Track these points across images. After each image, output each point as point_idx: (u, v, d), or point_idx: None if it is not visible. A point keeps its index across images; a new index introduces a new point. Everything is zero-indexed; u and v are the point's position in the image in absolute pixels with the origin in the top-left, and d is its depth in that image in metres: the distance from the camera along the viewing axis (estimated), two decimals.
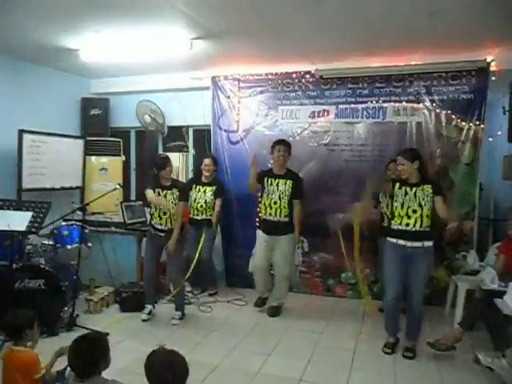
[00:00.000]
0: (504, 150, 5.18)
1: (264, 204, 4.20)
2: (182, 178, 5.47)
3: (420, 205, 3.29)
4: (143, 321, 4.05)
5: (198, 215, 4.72)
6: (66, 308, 3.84)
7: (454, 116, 4.41)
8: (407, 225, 3.31)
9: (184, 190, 4.15)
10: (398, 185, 3.41)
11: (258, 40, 4.17)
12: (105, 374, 2.02)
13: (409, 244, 3.30)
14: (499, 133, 4.62)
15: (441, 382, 2.97)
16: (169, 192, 3.97)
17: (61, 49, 4.44)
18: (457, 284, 4.00)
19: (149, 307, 4.15)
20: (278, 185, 4.15)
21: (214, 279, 4.97)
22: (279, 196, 4.13)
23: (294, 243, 4.25)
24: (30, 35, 4.06)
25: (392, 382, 2.97)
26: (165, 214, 3.96)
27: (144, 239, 4.54)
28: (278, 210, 4.13)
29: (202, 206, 4.71)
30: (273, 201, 4.14)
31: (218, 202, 4.74)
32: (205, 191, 4.74)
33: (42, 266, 3.78)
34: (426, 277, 3.41)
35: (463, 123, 4.38)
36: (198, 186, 4.76)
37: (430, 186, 3.33)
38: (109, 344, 2.05)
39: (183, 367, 1.78)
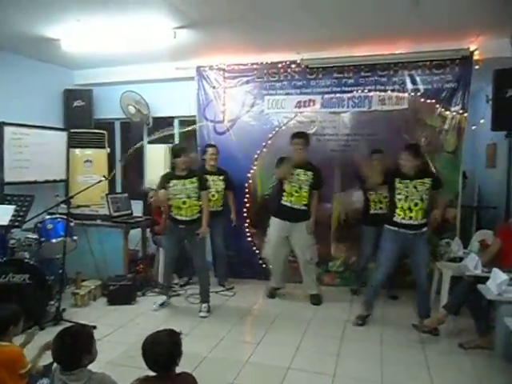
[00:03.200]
0: (487, 139, 5.24)
1: (286, 191, 4.23)
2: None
3: (421, 198, 3.51)
4: (154, 310, 4.11)
5: None
6: (52, 302, 3.81)
7: (438, 105, 4.45)
8: (410, 218, 3.53)
9: (203, 179, 4.12)
10: (398, 179, 3.57)
11: (242, 29, 4.13)
12: (93, 367, 2.01)
13: (410, 232, 3.56)
14: (482, 121, 4.67)
15: (427, 367, 3.02)
16: (187, 181, 3.91)
17: (41, 38, 4.34)
18: (441, 271, 4.06)
19: (164, 298, 4.22)
20: (298, 175, 4.20)
21: (226, 272, 4.91)
22: (299, 186, 4.19)
23: (309, 229, 4.28)
24: (8, 24, 3.95)
25: (379, 367, 3.02)
26: (184, 203, 3.89)
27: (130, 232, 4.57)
28: (299, 199, 4.20)
29: (213, 196, 4.61)
30: (294, 189, 4.19)
31: (231, 195, 4.77)
32: (213, 180, 4.62)
33: (26, 261, 3.73)
34: (427, 255, 3.69)
35: (447, 112, 4.42)
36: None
37: (430, 179, 3.55)
38: (93, 336, 2.03)
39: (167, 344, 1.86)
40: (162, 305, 4.17)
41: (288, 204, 4.22)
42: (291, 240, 4.28)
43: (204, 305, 4.07)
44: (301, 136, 4.24)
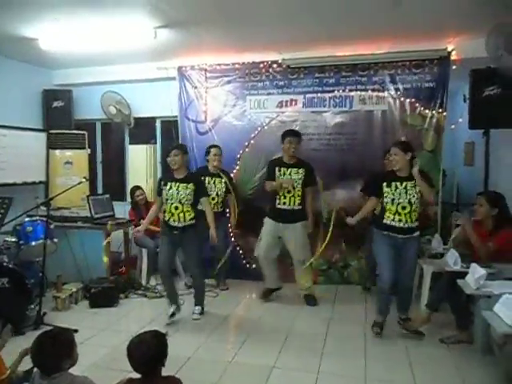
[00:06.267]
0: (465, 137, 5.35)
1: (279, 193, 4.11)
2: (150, 172, 5.37)
3: (410, 202, 3.33)
4: (168, 324, 3.73)
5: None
6: (32, 306, 3.74)
7: (417, 104, 4.52)
8: (399, 221, 3.37)
9: (203, 184, 3.99)
10: (385, 184, 3.41)
11: (224, 29, 4.13)
12: (75, 371, 1.98)
13: (399, 236, 3.40)
14: (460, 120, 4.76)
15: (409, 362, 3.07)
16: (181, 185, 3.67)
17: (18, 38, 4.25)
18: (422, 267, 4.12)
19: (173, 307, 3.84)
20: (290, 174, 4.11)
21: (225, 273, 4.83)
22: (292, 185, 4.08)
23: (307, 230, 4.21)
24: None
25: (363, 363, 3.05)
26: (176, 208, 3.68)
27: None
28: (292, 199, 4.10)
29: (213, 199, 4.51)
30: (286, 190, 4.09)
31: (232, 198, 4.63)
32: (214, 183, 4.56)
33: (4, 264, 3.65)
34: (415, 262, 3.58)
35: (426, 111, 4.50)
36: (206, 178, 4.50)
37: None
38: (74, 339, 2.00)
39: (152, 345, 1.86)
40: (174, 314, 3.82)
41: (281, 206, 4.13)
42: (284, 241, 4.20)
43: (197, 307, 3.95)
44: (296, 134, 4.17)
